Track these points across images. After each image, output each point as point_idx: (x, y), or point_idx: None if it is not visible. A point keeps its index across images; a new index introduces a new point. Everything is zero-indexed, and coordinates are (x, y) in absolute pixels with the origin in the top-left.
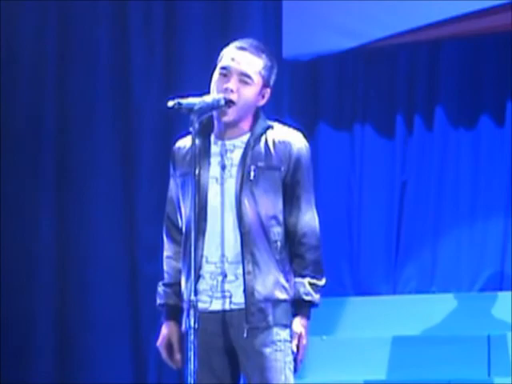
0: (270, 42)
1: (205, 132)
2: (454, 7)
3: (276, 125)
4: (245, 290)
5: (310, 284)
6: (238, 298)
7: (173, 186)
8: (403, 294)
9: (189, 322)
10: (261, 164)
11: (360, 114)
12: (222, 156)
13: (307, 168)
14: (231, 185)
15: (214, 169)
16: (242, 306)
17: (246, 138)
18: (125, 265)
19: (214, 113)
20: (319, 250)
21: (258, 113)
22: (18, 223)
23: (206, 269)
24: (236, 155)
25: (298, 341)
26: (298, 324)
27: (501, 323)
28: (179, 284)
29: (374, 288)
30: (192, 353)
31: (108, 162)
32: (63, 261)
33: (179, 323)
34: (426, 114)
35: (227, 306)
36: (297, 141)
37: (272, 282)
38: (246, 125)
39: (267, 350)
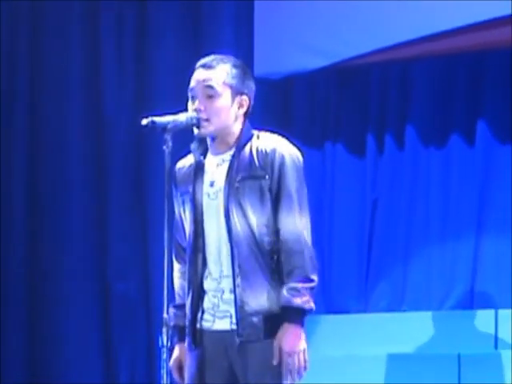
0: (241, 60)
1: (202, 149)
2: (425, 27)
3: (262, 134)
4: (235, 304)
5: (290, 289)
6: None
7: (176, 207)
8: (374, 313)
9: (162, 340)
10: (245, 174)
11: (331, 133)
12: (212, 172)
13: (292, 174)
14: (221, 199)
15: (207, 184)
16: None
17: (233, 151)
18: (96, 281)
19: (195, 130)
20: (303, 253)
21: (245, 125)
22: None
23: (209, 286)
24: (224, 169)
25: (280, 354)
26: (280, 335)
27: (471, 342)
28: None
29: (345, 306)
30: (164, 371)
31: (80, 178)
32: (34, 275)
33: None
34: (396, 132)
35: (228, 327)
36: (280, 148)
37: (263, 295)
38: (234, 138)
39: (260, 365)
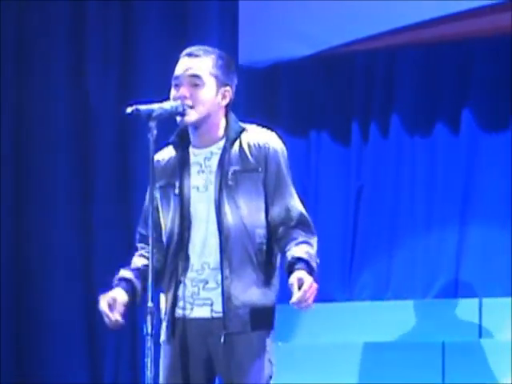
0: (225, 49)
1: (183, 143)
2: (411, 15)
3: (250, 127)
4: (223, 296)
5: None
6: (219, 307)
7: (147, 199)
8: (359, 301)
9: (146, 328)
10: (238, 168)
11: (316, 121)
12: (200, 164)
13: (285, 166)
14: (211, 191)
15: (195, 178)
16: (221, 315)
17: (221, 143)
18: (81, 275)
19: (179, 119)
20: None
21: (228, 116)
22: None
23: (189, 276)
24: (214, 162)
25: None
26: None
27: (455, 330)
28: (137, 270)
29: (330, 294)
30: (149, 359)
31: (65, 168)
32: (20, 275)
33: (129, 295)
34: (381, 121)
35: (208, 314)
36: (272, 142)
37: (251, 288)
38: (219, 130)
39: (245, 357)
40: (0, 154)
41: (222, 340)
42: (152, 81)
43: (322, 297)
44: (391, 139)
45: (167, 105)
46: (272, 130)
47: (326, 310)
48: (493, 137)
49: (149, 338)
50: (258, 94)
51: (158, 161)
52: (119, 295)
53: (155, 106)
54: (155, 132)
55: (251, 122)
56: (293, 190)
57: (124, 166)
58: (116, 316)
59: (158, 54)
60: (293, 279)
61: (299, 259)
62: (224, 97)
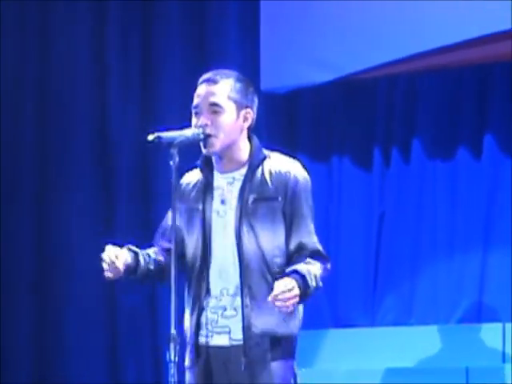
0: (247, 74)
1: (208, 166)
2: (431, 40)
3: (273, 154)
4: (243, 324)
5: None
6: (237, 335)
7: (169, 217)
8: (382, 326)
9: (169, 355)
10: (258, 196)
11: (337, 146)
12: (222, 189)
13: (305, 197)
14: (231, 218)
15: (216, 202)
16: (241, 343)
17: (244, 170)
18: (103, 295)
19: (202, 147)
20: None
21: (252, 141)
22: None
23: (208, 303)
24: (235, 188)
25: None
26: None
27: (479, 355)
28: (148, 254)
29: (353, 320)
30: None
31: (87, 193)
32: (41, 290)
33: (133, 255)
34: (403, 146)
35: (227, 342)
36: (294, 170)
37: (271, 316)
38: (242, 155)
39: None
40: (23, 175)
41: (243, 368)
42: (172, 101)
43: (344, 322)
44: (413, 164)
45: (188, 132)
46: (296, 159)
47: (348, 335)
48: None
49: (172, 364)
50: (279, 119)
51: (186, 183)
52: (123, 252)
53: (176, 134)
54: (177, 159)
55: (272, 148)
56: (310, 224)
57: (145, 186)
58: (118, 265)
59: (178, 80)
60: (278, 281)
61: (296, 271)
62: (246, 119)
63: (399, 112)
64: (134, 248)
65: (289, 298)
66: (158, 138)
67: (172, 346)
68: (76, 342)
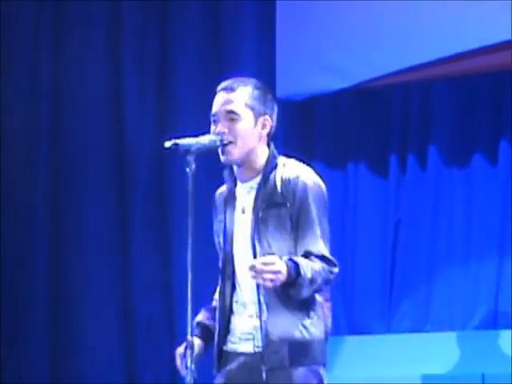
0: (263, 82)
1: (231, 177)
2: (446, 47)
3: (289, 162)
4: (261, 331)
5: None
6: (259, 342)
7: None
8: (398, 333)
9: (185, 362)
10: (268, 203)
11: (354, 153)
12: (242, 199)
13: (314, 202)
14: (248, 227)
15: (238, 212)
16: (261, 350)
17: (259, 178)
18: (119, 303)
19: (221, 155)
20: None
21: (269, 149)
22: (14, 265)
23: (237, 310)
24: (251, 197)
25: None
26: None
27: (495, 361)
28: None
29: (369, 327)
30: None
31: (103, 200)
32: (57, 298)
33: (204, 339)
34: (419, 153)
35: (251, 349)
36: (303, 176)
37: (287, 322)
38: (260, 164)
39: None
40: (37, 186)
41: (264, 376)
42: (188, 109)
43: (360, 329)
44: (429, 171)
45: (205, 139)
46: (310, 166)
47: (364, 342)
48: None
49: (188, 371)
50: (295, 126)
51: (218, 196)
52: (195, 343)
53: (193, 141)
54: (194, 166)
55: (288, 155)
56: (317, 229)
57: (161, 193)
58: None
59: (194, 89)
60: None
61: (291, 259)
62: (264, 126)
63: (415, 119)
64: (199, 318)
65: (266, 271)
66: (175, 144)
67: (188, 352)
68: (92, 349)
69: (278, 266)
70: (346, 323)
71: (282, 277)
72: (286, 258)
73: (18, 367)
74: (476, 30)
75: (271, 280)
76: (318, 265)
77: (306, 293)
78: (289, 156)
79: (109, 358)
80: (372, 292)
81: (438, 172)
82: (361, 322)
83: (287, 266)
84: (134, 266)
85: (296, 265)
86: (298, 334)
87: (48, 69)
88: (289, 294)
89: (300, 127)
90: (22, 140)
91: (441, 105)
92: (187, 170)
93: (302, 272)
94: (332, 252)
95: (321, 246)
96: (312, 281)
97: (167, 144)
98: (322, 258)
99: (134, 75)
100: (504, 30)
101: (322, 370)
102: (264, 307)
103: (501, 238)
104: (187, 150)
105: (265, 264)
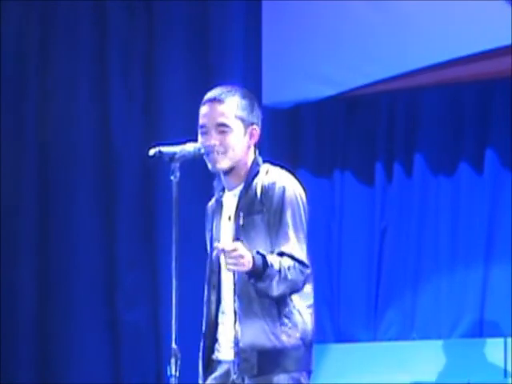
0: (249, 89)
1: (221, 185)
2: (433, 55)
3: (271, 169)
4: (235, 338)
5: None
6: (236, 349)
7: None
8: (383, 341)
9: (170, 369)
10: (249, 211)
11: (340, 161)
12: (228, 207)
13: (291, 206)
14: (231, 236)
15: (224, 220)
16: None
17: (242, 187)
18: (105, 311)
19: (208, 163)
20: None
21: (253, 157)
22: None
23: (222, 320)
24: (235, 204)
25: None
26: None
27: (481, 370)
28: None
29: (355, 335)
30: None
31: (89, 208)
32: (43, 306)
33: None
34: (405, 161)
35: (231, 357)
36: (280, 182)
37: (259, 330)
38: (244, 171)
39: None
40: (23, 194)
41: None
42: (174, 116)
43: (346, 337)
44: (415, 179)
45: (190, 147)
46: (294, 173)
47: (350, 350)
48: None
49: (173, 379)
50: (281, 134)
51: (209, 206)
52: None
53: (178, 149)
54: (178, 173)
55: (274, 163)
56: (291, 233)
57: (147, 201)
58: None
59: (181, 95)
60: None
61: (258, 252)
62: (252, 135)
63: (401, 127)
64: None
65: (235, 258)
66: (159, 152)
67: (173, 360)
68: (79, 360)
69: (240, 251)
70: (332, 331)
71: (247, 262)
72: (254, 251)
73: (6, 378)
74: (462, 38)
75: (234, 264)
76: (287, 262)
77: (277, 288)
78: (274, 164)
79: (95, 368)
80: (358, 300)
81: (424, 180)
82: (347, 330)
83: (253, 256)
84: (120, 276)
85: (263, 256)
86: (267, 342)
87: (34, 74)
88: (261, 290)
89: (286, 135)
90: (7, 144)
91: (427, 113)
92: (171, 177)
93: (269, 263)
94: (318, 259)
95: (293, 248)
96: (281, 273)
97: (151, 151)
98: (293, 258)
99: (120, 83)
100: (491, 38)
101: (303, 378)
102: (238, 315)
103: (487, 246)
104: (171, 158)
105: (228, 251)
